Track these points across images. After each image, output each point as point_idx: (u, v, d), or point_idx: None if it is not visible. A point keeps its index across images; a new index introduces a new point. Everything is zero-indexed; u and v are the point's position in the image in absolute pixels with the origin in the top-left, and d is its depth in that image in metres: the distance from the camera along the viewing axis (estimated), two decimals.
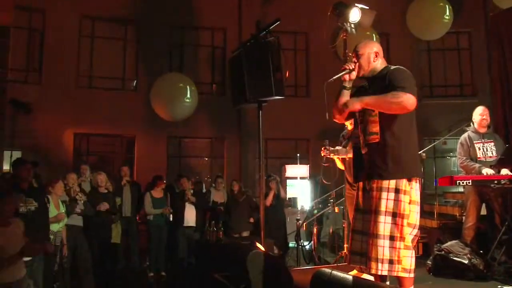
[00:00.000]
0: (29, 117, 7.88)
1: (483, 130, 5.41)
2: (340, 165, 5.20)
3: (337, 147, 5.09)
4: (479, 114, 5.46)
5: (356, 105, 3.25)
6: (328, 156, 5.05)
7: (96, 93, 12.36)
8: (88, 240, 6.53)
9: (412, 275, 3.17)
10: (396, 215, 3.14)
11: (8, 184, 5.63)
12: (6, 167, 7.94)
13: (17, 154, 7.65)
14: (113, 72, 13.03)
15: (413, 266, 3.16)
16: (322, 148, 5.05)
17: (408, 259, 3.14)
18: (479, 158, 5.30)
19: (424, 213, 7.12)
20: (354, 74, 3.41)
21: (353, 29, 6.47)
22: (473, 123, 5.52)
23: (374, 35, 8.90)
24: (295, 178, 10.90)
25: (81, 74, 12.63)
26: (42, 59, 12.21)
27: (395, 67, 3.34)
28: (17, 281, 3.87)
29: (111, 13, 12.63)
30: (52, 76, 11.96)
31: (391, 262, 3.09)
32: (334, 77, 3.44)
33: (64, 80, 12.01)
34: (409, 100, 3.08)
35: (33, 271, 4.64)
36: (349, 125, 4.98)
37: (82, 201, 6.43)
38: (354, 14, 6.35)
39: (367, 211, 3.26)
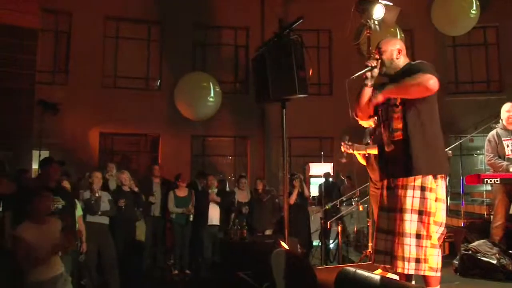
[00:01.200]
0: (56, 117, 8.04)
1: None
2: (361, 160, 5.15)
3: (356, 145, 5.05)
4: (506, 111, 5.33)
5: (379, 97, 3.22)
6: (348, 152, 5.00)
7: (120, 93, 12.52)
8: (113, 237, 6.62)
9: (439, 274, 3.12)
10: (422, 213, 3.09)
11: (35, 182, 5.75)
12: (34, 166, 8.12)
13: (45, 154, 7.80)
14: (137, 72, 13.20)
15: (440, 265, 3.12)
16: (342, 144, 5.02)
17: (435, 257, 3.09)
18: (507, 155, 5.19)
19: (450, 212, 7.01)
20: (376, 72, 3.37)
21: (377, 26, 6.40)
22: (501, 120, 5.40)
23: (398, 31, 8.79)
24: (319, 176, 10.86)
25: (106, 74, 12.82)
26: (69, 61, 12.45)
27: (417, 61, 3.32)
28: (52, 277, 3.93)
29: (135, 13, 12.78)
30: (78, 77, 12.17)
31: (417, 261, 3.05)
32: (356, 74, 3.41)
33: (89, 81, 12.21)
34: (429, 80, 3.03)
35: None
36: (372, 123, 4.93)
37: (107, 200, 6.53)
38: (378, 11, 6.28)
39: (392, 209, 3.22)
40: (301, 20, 4.49)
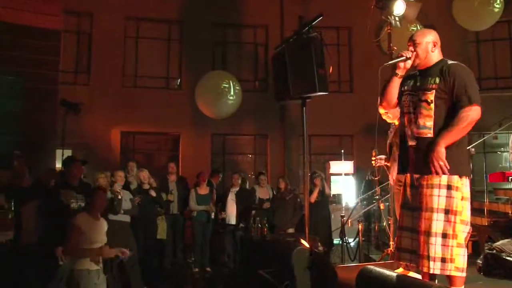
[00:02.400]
0: (78, 117, 8.15)
1: None
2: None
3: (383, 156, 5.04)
4: None
5: (442, 150, 3.04)
6: (381, 165, 5.00)
7: (141, 92, 12.65)
8: (134, 235, 6.68)
9: (464, 274, 3.07)
10: (448, 212, 3.04)
11: (57, 180, 5.85)
12: (58, 165, 8.25)
13: (68, 153, 7.93)
14: (158, 71, 13.30)
15: (465, 265, 3.07)
16: (373, 159, 5.00)
17: (461, 257, 3.04)
18: None
19: (473, 211, 6.89)
20: (409, 63, 3.32)
21: (398, 22, 6.33)
22: None
23: (419, 27, 8.67)
24: (340, 174, 10.80)
25: (127, 74, 12.95)
26: (90, 61, 12.62)
27: (454, 62, 3.23)
28: (95, 270, 4.10)
29: (155, 13, 12.88)
30: (99, 77, 12.33)
31: (443, 260, 3.00)
32: (390, 62, 3.39)
33: (111, 81, 12.36)
34: (478, 115, 3.06)
35: None
36: (396, 121, 4.89)
37: (129, 199, 6.59)
38: (399, 7, 6.21)
39: (417, 208, 3.17)
40: (320, 18, 4.47)
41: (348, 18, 12.56)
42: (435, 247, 3.01)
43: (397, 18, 6.31)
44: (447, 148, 3.06)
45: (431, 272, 3.04)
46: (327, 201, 8.71)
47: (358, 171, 11.63)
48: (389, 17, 6.28)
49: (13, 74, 8.46)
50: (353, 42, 13.63)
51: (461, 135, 3.11)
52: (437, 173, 3.05)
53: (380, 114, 3.73)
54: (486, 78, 13.57)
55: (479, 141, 8.58)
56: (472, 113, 3.03)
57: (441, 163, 3.01)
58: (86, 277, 4.00)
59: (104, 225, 4.36)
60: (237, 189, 8.40)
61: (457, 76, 3.12)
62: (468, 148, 3.44)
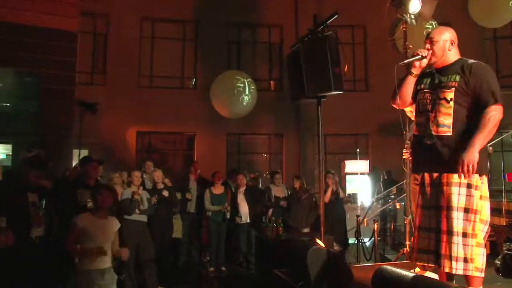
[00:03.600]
0: (95, 117, 8.24)
1: None
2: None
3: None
4: None
5: (477, 154, 2.94)
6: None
7: (157, 92, 12.73)
8: (151, 235, 6.72)
9: (482, 274, 3.03)
10: (468, 211, 3.00)
11: (73, 180, 5.91)
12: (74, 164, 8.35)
13: (84, 153, 8.01)
14: (173, 71, 13.38)
15: (484, 265, 3.03)
16: (405, 151, 4.95)
17: (480, 257, 3.01)
18: None
19: (491, 210, 6.80)
20: (425, 62, 3.29)
21: (413, 20, 6.26)
22: None
23: (434, 25, 8.57)
24: (355, 173, 10.75)
25: (143, 74, 13.05)
26: (106, 61, 12.74)
27: (475, 61, 3.17)
28: (101, 269, 4.06)
29: (170, 13, 12.96)
30: (115, 77, 12.45)
31: (465, 260, 2.96)
32: (406, 61, 3.37)
33: (126, 81, 12.47)
34: (501, 115, 3.02)
35: None
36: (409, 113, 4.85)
37: (146, 198, 6.63)
38: (414, 4, 6.12)
39: (435, 207, 3.13)
40: (335, 16, 4.45)
41: (363, 17, 12.50)
42: (457, 246, 2.97)
43: (412, 16, 6.22)
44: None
45: (454, 272, 2.98)
46: (342, 200, 8.67)
47: (374, 170, 11.56)
48: (404, 15, 6.20)
49: (30, 75, 8.58)
50: (368, 41, 13.55)
51: (490, 137, 3.06)
52: (461, 175, 2.97)
53: (394, 110, 3.68)
54: (505, 76, 13.33)
55: (497, 140, 8.44)
56: (497, 113, 3.00)
57: (471, 167, 2.90)
58: (86, 277, 3.96)
59: (111, 225, 4.28)
60: (244, 188, 8.37)
61: (480, 75, 3.08)
62: (486, 146, 3.39)
